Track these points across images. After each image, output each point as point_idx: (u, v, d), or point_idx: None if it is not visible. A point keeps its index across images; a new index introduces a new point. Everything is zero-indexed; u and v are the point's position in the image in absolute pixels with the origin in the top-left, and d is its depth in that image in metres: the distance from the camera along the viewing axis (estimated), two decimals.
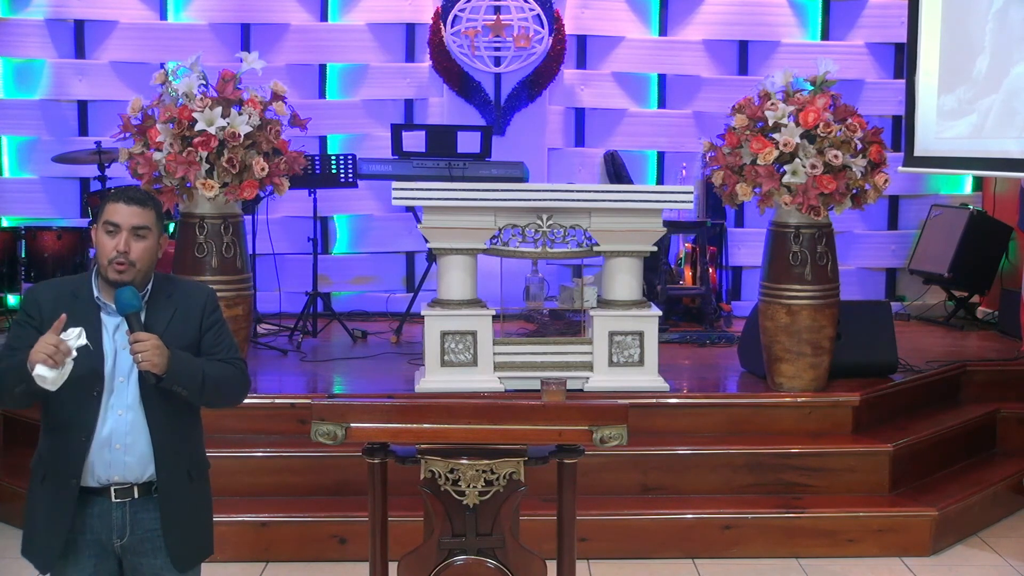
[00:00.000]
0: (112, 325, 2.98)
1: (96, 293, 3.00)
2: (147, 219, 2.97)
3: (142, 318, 2.93)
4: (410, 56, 8.06)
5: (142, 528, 3.01)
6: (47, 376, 2.76)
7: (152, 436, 2.97)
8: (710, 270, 7.65)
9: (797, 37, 8.19)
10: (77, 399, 2.92)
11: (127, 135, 5.15)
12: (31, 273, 7.01)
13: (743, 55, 8.21)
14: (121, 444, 2.96)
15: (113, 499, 2.98)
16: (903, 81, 6.84)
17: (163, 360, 2.87)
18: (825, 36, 8.20)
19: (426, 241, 5.49)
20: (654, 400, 5.34)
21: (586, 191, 5.50)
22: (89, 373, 2.91)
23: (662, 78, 8.20)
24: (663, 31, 8.16)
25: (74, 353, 2.80)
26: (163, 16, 7.91)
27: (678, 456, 5.15)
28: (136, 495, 2.99)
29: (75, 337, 2.81)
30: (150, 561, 3.02)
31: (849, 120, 5.17)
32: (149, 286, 3.02)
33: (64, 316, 2.83)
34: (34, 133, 7.90)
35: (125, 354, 2.95)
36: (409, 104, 8.10)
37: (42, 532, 3.01)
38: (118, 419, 2.96)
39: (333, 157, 7.12)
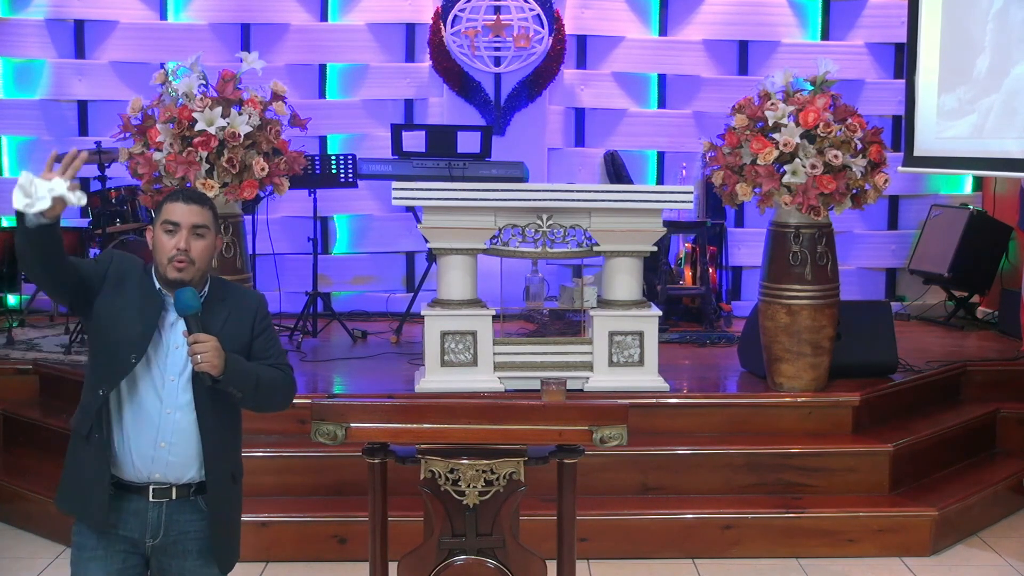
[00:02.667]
0: (168, 321, 3.00)
1: (157, 285, 3.02)
2: (205, 218, 3.01)
3: (200, 317, 2.94)
4: (410, 56, 8.06)
5: (176, 530, 3.01)
6: (22, 183, 2.69)
7: (203, 439, 2.98)
8: (710, 270, 7.65)
9: (797, 37, 8.19)
10: (114, 358, 2.93)
11: (127, 135, 5.15)
12: None
13: (743, 55, 8.21)
14: (166, 443, 2.96)
15: (150, 499, 2.99)
16: (903, 81, 6.84)
17: (221, 362, 2.89)
18: (825, 36, 8.20)
19: (426, 241, 5.49)
20: (654, 400, 5.34)
21: (586, 191, 5.50)
22: (136, 336, 2.93)
23: (662, 78, 8.20)
24: (663, 31, 8.16)
25: (56, 189, 2.71)
26: (163, 16, 7.91)
27: (678, 456, 5.15)
28: (174, 496, 3.00)
29: (74, 194, 2.73)
30: (179, 563, 3.04)
31: (849, 120, 5.17)
32: (206, 288, 3.05)
33: (82, 153, 2.83)
34: (34, 133, 7.90)
35: (177, 353, 2.97)
36: (409, 104, 8.10)
37: (93, 490, 2.97)
38: (166, 417, 2.96)
39: (333, 157, 7.12)
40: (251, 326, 3.11)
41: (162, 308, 2.99)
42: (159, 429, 2.96)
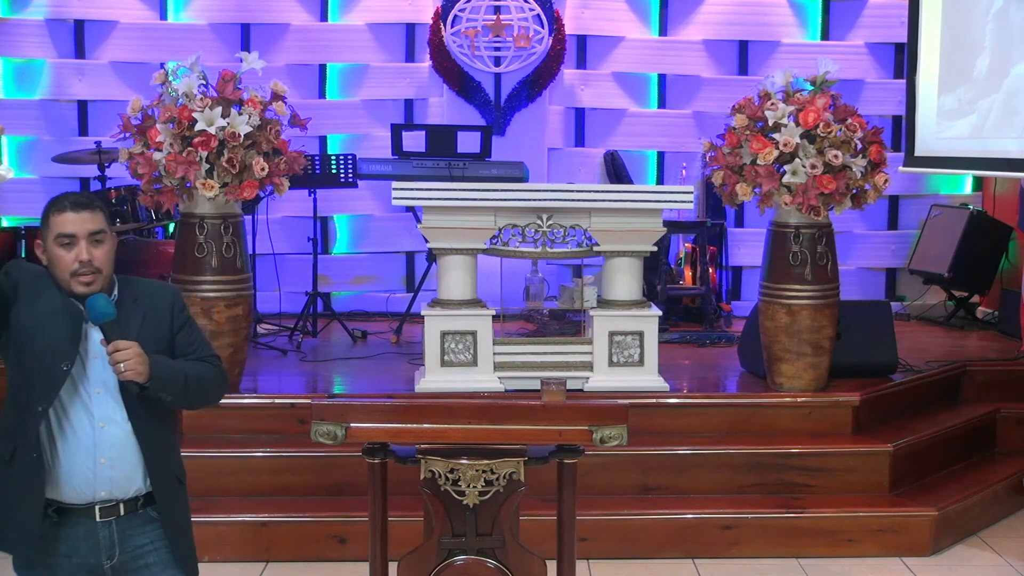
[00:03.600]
0: (84, 332, 2.85)
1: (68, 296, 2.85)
2: (100, 222, 2.83)
3: (116, 324, 2.79)
4: (410, 56, 8.06)
5: (132, 545, 2.90)
6: None
7: (142, 449, 2.86)
8: (710, 270, 7.65)
9: (797, 37, 8.18)
10: (43, 368, 2.79)
11: (127, 135, 5.14)
12: None
13: (743, 55, 8.21)
14: (106, 458, 2.83)
15: (98, 519, 2.86)
16: (903, 81, 6.84)
17: (145, 368, 2.76)
18: (825, 36, 8.20)
19: (426, 241, 5.49)
20: (654, 400, 5.34)
21: (586, 191, 5.50)
22: (62, 344, 2.78)
23: (662, 78, 8.20)
24: (663, 31, 8.16)
25: None
26: (163, 16, 7.91)
27: (678, 456, 5.15)
28: (122, 512, 2.88)
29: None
30: None
31: (849, 120, 5.17)
32: (115, 291, 2.89)
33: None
34: (34, 133, 7.90)
35: (99, 363, 2.83)
36: (409, 104, 8.10)
37: (20, 513, 2.83)
38: (99, 431, 2.83)
39: (333, 157, 7.11)
40: (170, 322, 2.95)
41: (82, 320, 2.83)
42: (96, 445, 2.82)
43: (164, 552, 2.95)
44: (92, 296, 2.79)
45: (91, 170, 7.31)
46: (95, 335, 2.83)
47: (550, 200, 5.34)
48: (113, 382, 2.83)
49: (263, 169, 5.06)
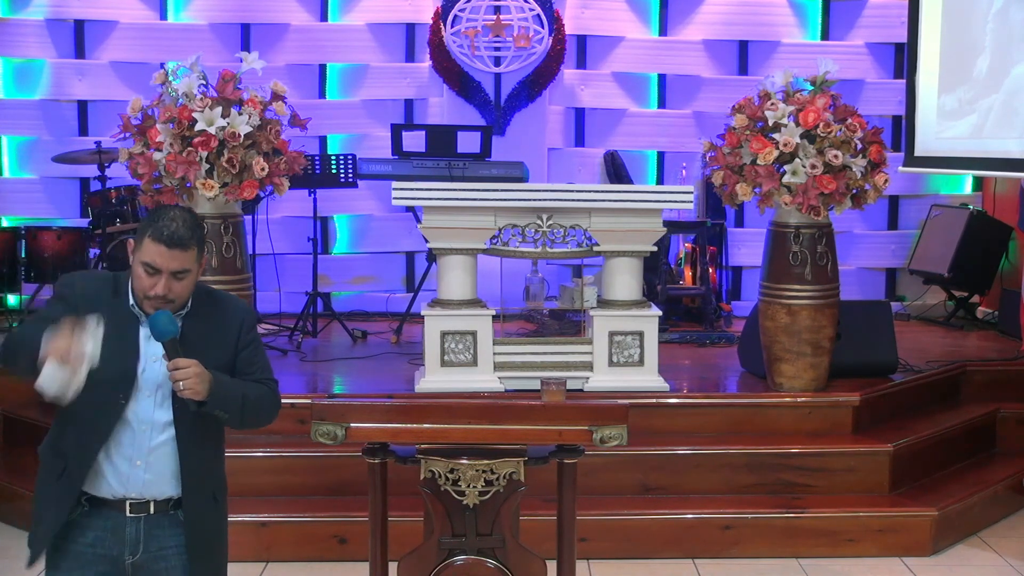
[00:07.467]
0: (145, 333, 2.86)
1: (132, 301, 2.87)
2: (187, 262, 2.82)
3: (178, 342, 2.79)
4: (410, 56, 8.06)
5: (156, 545, 2.90)
6: (51, 375, 2.59)
7: (181, 459, 2.87)
8: (710, 270, 7.65)
9: (797, 37, 8.19)
10: (100, 401, 2.78)
11: (127, 135, 5.14)
12: (31, 273, 7.01)
13: (743, 55, 8.21)
14: (142, 461, 2.84)
15: (128, 514, 2.87)
16: (903, 81, 6.84)
17: (205, 386, 2.76)
18: (825, 36, 8.20)
19: (426, 241, 5.49)
20: (654, 400, 5.34)
21: (586, 191, 5.50)
22: (119, 376, 2.80)
23: (662, 78, 8.20)
24: (663, 31, 8.17)
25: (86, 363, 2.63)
26: (163, 16, 7.91)
27: (678, 456, 5.15)
28: (152, 511, 2.88)
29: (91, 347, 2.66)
30: None
31: (849, 120, 5.17)
32: (189, 304, 2.90)
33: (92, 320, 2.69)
34: (34, 133, 7.90)
35: (154, 367, 2.83)
36: (409, 104, 8.10)
37: (44, 525, 2.89)
38: (142, 435, 2.84)
39: (333, 157, 7.12)
40: (235, 341, 2.97)
41: (138, 325, 2.86)
42: (135, 447, 2.84)
43: (185, 559, 2.94)
44: (155, 313, 2.79)
45: (91, 170, 7.31)
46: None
47: (550, 200, 5.34)
48: (166, 388, 2.83)
49: (263, 169, 5.06)
